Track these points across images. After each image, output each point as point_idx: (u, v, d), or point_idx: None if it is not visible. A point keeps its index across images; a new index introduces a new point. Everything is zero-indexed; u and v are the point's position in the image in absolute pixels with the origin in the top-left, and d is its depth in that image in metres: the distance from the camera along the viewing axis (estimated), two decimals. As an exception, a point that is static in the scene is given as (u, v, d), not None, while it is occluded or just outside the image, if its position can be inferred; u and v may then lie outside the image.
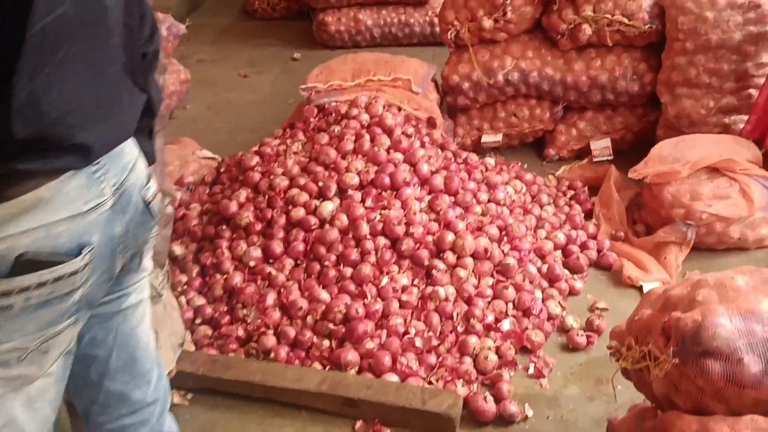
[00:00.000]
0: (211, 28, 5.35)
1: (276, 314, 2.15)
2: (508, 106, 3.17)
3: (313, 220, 2.31)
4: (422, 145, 2.60)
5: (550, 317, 2.23)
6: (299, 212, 2.34)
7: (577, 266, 2.45)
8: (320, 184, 2.39)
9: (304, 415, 1.95)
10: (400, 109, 2.79)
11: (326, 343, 2.07)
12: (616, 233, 2.63)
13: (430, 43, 4.61)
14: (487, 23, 2.94)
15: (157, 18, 1.27)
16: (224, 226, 2.43)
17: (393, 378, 1.96)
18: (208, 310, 2.21)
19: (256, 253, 2.30)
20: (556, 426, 1.89)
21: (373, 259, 2.24)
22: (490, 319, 2.15)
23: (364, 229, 2.27)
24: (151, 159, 1.20)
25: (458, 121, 3.22)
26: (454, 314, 2.15)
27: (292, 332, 2.10)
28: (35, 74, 0.84)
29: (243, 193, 2.48)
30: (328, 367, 2.03)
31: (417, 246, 2.27)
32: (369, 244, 2.25)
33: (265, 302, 2.17)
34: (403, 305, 2.16)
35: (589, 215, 2.76)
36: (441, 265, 2.25)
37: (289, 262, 2.28)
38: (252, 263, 2.28)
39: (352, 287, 2.19)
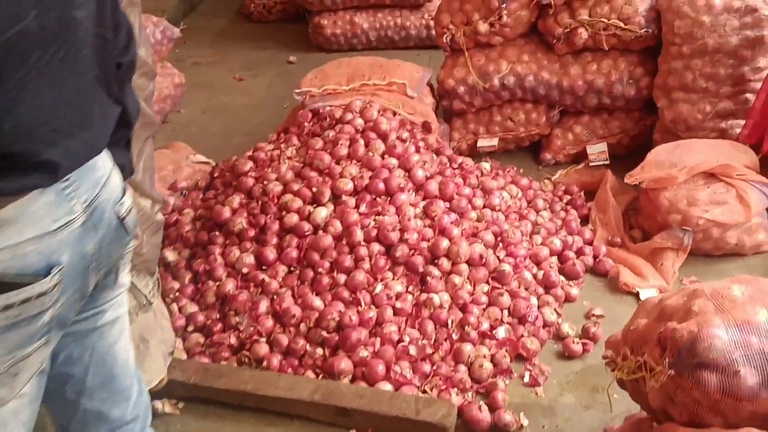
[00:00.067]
0: (206, 31, 5.33)
1: (269, 322, 2.13)
2: (504, 110, 3.15)
3: (307, 226, 2.29)
4: (417, 150, 2.58)
5: (545, 324, 2.21)
6: (293, 218, 2.31)
7: (573, 272, 2.43)
8: (314, 189, 2.37)
9: (296, 425, 1.93)
10: (395, 113, 2.76)
11: (319, 351, 2.05)
12: (613, 239, 2.61)
13: (427, 46, 4.59)
14: (483, 27, 2.93)
15: (146, 24, 1.25)
16: (217, 232, 2.41)
17: (387, 387, 1.94)
18: (201, 318, 2.19)
19: (249, 259, 2.28)
20: (552, 435, 1.88)
21: (367, 265, 2.22)
22: (485, 326, 2.13)
23: (358, 235, 2.25)
24: (127, 172, 1.17)
25: (454, 125, 3.20)
26: (449, 321, 2.13)
27: (285, 340, 2.08)
28: None
29: (236, 199, 2.46)
30: (321, 376, 2.01)
31: (411, 252, 2.25)
32: (363, 251, 2.23)
33: (258, 309, 2.15)
34: (397, 312, 2.14)
35: (585, 220, 2.74)
36: (436, 272, 2.23)
37: (282, 269, 2.26)
38: (245, 270, 2.26)
39: (345, 294, 2.17)
